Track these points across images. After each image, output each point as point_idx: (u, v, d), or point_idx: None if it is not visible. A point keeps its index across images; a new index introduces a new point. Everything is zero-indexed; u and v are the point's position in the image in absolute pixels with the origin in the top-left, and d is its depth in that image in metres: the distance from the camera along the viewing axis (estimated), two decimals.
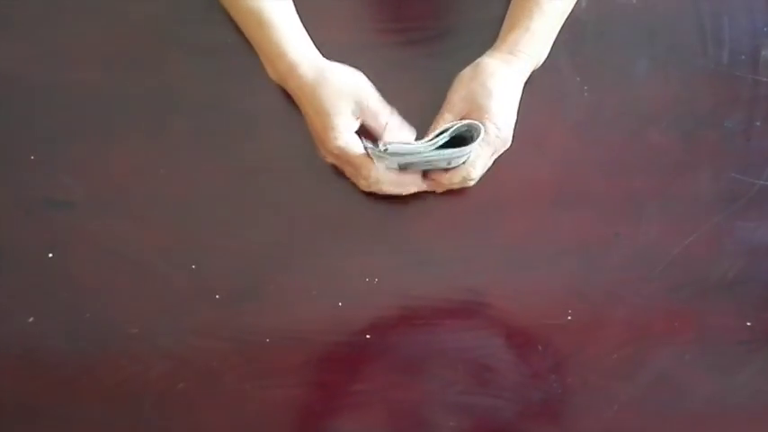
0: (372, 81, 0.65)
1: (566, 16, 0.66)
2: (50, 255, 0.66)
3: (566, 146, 0.69)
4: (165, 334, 0.66)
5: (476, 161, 0.63)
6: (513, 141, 0.65)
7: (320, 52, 0.65)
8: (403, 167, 0.63)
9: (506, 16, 0.67)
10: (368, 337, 0.67)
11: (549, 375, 0.68)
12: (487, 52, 0.66)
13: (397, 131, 0.64)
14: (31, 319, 0.66)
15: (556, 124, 0.69)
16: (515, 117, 0.64)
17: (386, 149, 0.60)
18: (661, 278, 0.69)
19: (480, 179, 0.65)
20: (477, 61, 0.65)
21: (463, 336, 0.68)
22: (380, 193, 0.65)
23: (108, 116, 0.67)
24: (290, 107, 0.66)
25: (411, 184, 0.65)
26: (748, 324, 0.69)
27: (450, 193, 0.67)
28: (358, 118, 0.63)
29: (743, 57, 0.70)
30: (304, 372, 0.67)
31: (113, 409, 0.66)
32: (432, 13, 0.69)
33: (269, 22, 0.62)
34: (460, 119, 0.63)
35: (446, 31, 0.69)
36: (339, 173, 0.66)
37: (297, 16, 0.64)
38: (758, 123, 0.70)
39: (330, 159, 0.65)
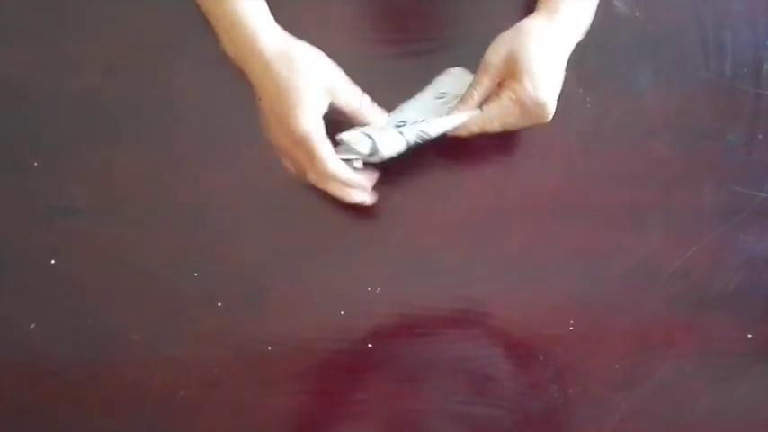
0: (373, 92, 0.64)
1: None
2: (53, 261, 0.66)
3: (568, 157, 0.70)
4: (167, 341, 0.66)
5: (493, 121, 0.62)
6: (554, 111, 0.62)
7: None
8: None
9: None
10: (369, 345, 0.67)
11: (550, 386, 0.68)
12: (529, 16, 0.62)
13: (370, 112, 0.62)
14: (33, 326, 0.66)
15: (558, 135, 0.69)
16: (559, 86, 0.61)
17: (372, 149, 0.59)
18: (662, 290, 0.69)
19: (483, 188, 0.66)
20: (517, 24, 0.62)
21: (464, 345, 0.68)
22: (325, 190, 0.61)
23: (112, 123, 0.68)
24: None
25: (358, 193, 0.62)
26: (749, 336, 0.69)
27: (453, 200, 0.69)
28: (327, 103, 0.59)
29: (745, 70, 0.71)
30: (305, 380, 0.67)
31: (115, 415, 0.66)
32: (433, 25, 0.69)
33: None
34: (497, 83, 0.61)
35: (448, 42, 0.69)
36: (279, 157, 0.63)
37: None
38: (760, 136, 0.70)
39: (281, 145, 0.60)
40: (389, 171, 0.68)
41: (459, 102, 0.63)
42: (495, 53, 0.61)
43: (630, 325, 0.68)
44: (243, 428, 0.66)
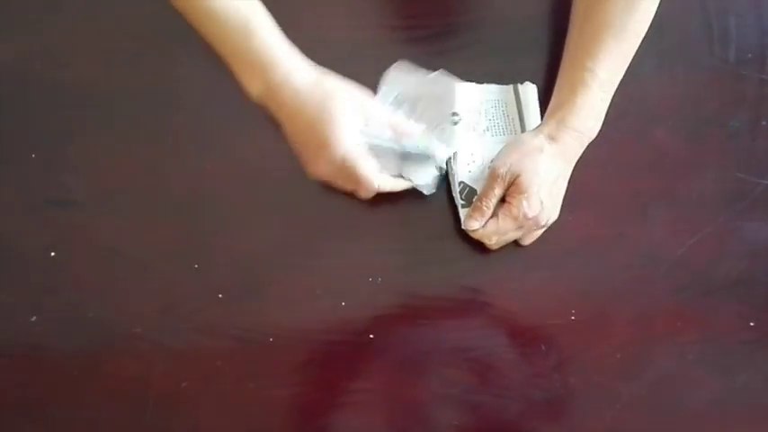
0: (372, 78, 0.64)
1: (613, 89, 0.64)
2: (52, 254, 0.66)
3: None
4: (168, 333, 0.66)
5: (493, 236, 0.65)
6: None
7: (323, 48, 0.64)
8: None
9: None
10: (371, 336, 0.67)
11: (552, 375, 0.68)
12: (537, 128, 0.65)
13: (403, 125, 0.63)
14: (33, 318, 0.66)
15: None
16: (554, 199, 0.64)
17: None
18: (665, 278, 0.69)
19: None
20: (526, 140, 0.64)
21: (466, 335, 0.68)
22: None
23: (109, 114, 0.67)
24: None
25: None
26: (751, 324, 0.69)
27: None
28: (361, 121, 0.61)
29: (749, 56, 0.70)
30: (307, 371, 0.67)
31: (116, 407, 0.66)
32: (436, 11, 0.69)
33: (258, 32, 0.58)
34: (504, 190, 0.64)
35: (450, 29, 0.68)
36: (329, 188, 0.65)
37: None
38: (764, 123, 0.70)
39: (325, 175, 0.62)
40: None
41: (472, 210, 0.65)
42: (504, 166, 0.63)
43: (632, 314, 0.68)
44: (244, 420, 0.66)
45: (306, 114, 0.59)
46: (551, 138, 0.63)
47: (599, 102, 0.63)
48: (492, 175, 0.64)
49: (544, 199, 0.62)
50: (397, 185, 0.64)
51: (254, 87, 0.59)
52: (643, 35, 0.62)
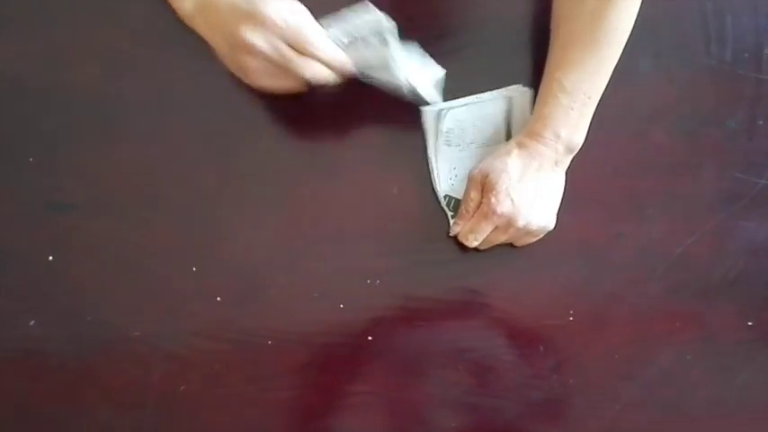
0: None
1: (590, 99, 0.63)
2: (51, 258, 0.66)
3: None
4: (166, 336, 0.66)
5: (469, 234, 0.66)
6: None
7: None
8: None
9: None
10: (369, 338, 0.67)
11: (550, 376, 0.68)
12: (514, 138, 0.66)
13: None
14: (32, 323, 0.66)
15: None
16: (524, 198, 0.63)
17: None
18: (663, 278, 0.69)
19: None
20: (503, 145, 0.66)
21: (465, 336, 0.68)
22: (301, 75, 0.59)
23: (107, 117, 0.67)
24: (291, 108, 0.66)
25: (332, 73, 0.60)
26: (749, 324, 0.69)
27: None
28: None
29: (746, 55, 0.70)
30: (306, 373, 0.67)
31: (115, 411, 0.66)
32: (431, 13, 0.68)
33: None
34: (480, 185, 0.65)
35: (446, 30, 0.68)
36: (245, 87, 0.62)
37: None
38: (761, 122, 0.70)
39: (262, 48, 0.56)
40: (385, 163, 0.68)
41: (457, 217, 0.67)
42: (476, 169, 0.66)
43: (631, 314, 0.68)
44: (244, 423, 0.66)
45: (240, 3, 0.56)
46: (520, 144, 0.65)
47: (569, 111, 0.63)
48: (468, 181, 0.66)
49: (514, 197, 0.63)
50: (336, 56, 0.59)
51: (185, 4, 0.60)
52: (622, 42, 0.63)
